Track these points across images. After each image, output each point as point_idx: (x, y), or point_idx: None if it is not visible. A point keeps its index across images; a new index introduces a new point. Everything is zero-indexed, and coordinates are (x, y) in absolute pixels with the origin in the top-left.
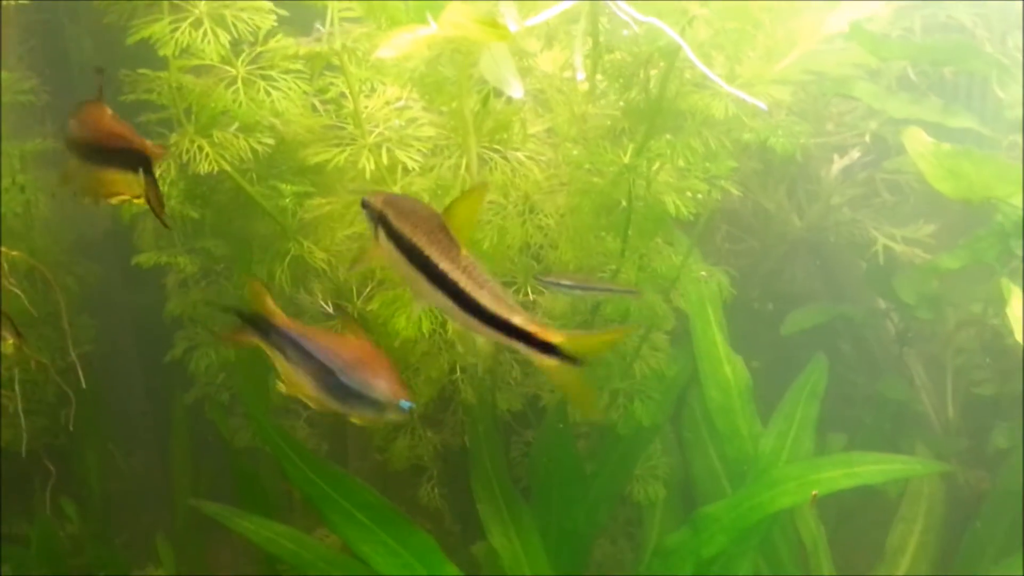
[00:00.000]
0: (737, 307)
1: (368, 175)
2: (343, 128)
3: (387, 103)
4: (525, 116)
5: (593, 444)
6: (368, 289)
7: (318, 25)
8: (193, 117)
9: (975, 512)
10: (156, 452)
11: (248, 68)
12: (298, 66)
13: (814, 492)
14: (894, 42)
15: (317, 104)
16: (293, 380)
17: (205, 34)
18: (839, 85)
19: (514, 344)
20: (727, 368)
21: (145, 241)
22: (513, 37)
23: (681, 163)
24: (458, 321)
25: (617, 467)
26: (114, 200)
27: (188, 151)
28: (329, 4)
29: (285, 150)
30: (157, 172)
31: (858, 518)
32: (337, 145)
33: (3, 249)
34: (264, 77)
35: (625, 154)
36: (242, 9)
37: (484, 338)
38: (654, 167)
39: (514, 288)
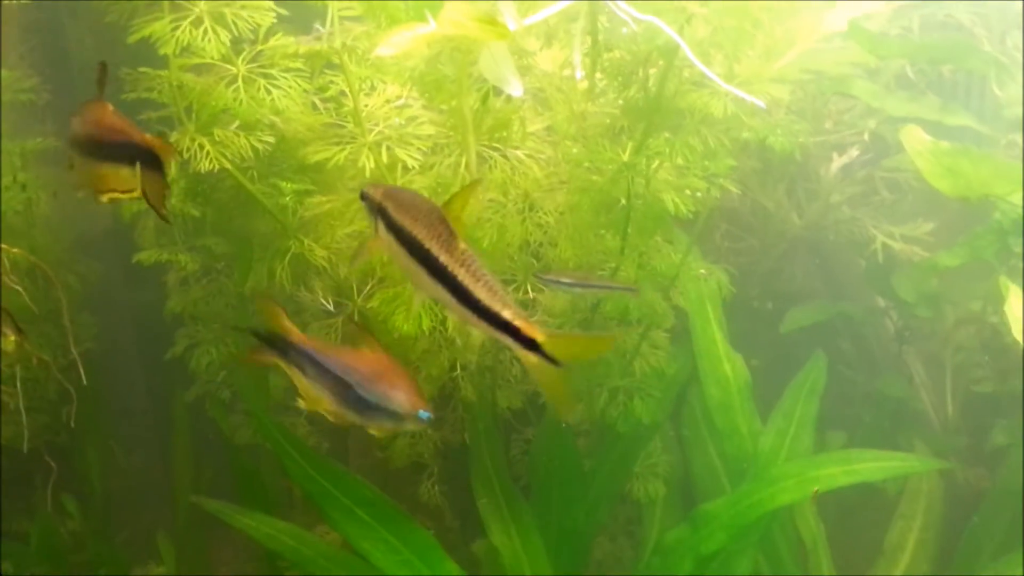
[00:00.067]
0: (737, 305)
1: (368, 173)
2: (343, 126)
3: (387, 101)
4: (525, 114)
5: (593, 442)
6: (368, 287)
7: (317, 25)
8: (194, 115)
9: (974, 510)
10: (157, 449)
11: (248, 66)
12: (298, 64)
13: (815, 488)
14: (892, 41)
15: (317, 102)
16: (312, 395)
17: (205, 32)
18: (838, 84)
19: (502, 338)
20: (726, 366)
21: (146, 239)
22: (512, 35)
23: (680, 161)
24: (454, 313)
25: (617, 465)
26: (105, 197)
27: (189, 149)
28: (329, 3)
29: (285, 148)
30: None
31: (857, 516)
32: (337, 143)
33: (4, 247)
34: (264, 75)
35: (624, 152)
36: (242, 7)
37: (479, 331)
38: (653, 165)
39: (514, 286)
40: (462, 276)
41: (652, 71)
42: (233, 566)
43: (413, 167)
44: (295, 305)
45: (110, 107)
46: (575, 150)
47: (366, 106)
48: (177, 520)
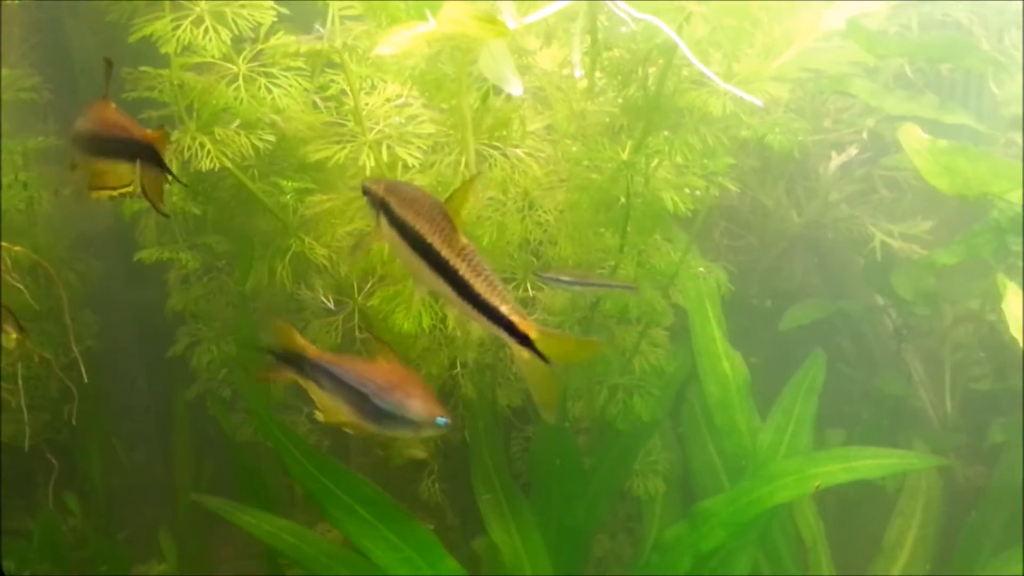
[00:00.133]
0: (736, 303)
1: (368, 171)
2: (344, 125)
3: (387, 100)
4: (524, 113)
5: (593, 439)
6: (369, 285)
7: (318, 26)
8: (195, 114)
9: (973, 507)
10: (158, 447)
11: (249, 65)
12: (299, 63)
13: (816, 484)
14: (891, 39)
15: (318, 101)
16: (330, 408)
17: (206, 31)
18: (836, 82)
19: (499, 332)
20: (726, 364)
21: (147, 237)
22: (512, 34)
23: (679, 160)
24: (454, 306)
25: (616, 462)
26: (97, 194)
27: (190, 148)
28: (330, 2)
29: (286, 147)
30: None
31: (856, 513)
32: (338, 142)
33: (6, 244)
34: (265, 74)
35: (624, 151)
36: (242, 6)
37: (477, 326)
38: (652, 164)
39: (514, 284)
40: (463, 270)
41: (651, 70)
42: (234, 564)
43: (413, 165)
44: (296, 303)
45: (112, 105)
46: (575, 148)
47: (366, 105)
48: (178, 518)
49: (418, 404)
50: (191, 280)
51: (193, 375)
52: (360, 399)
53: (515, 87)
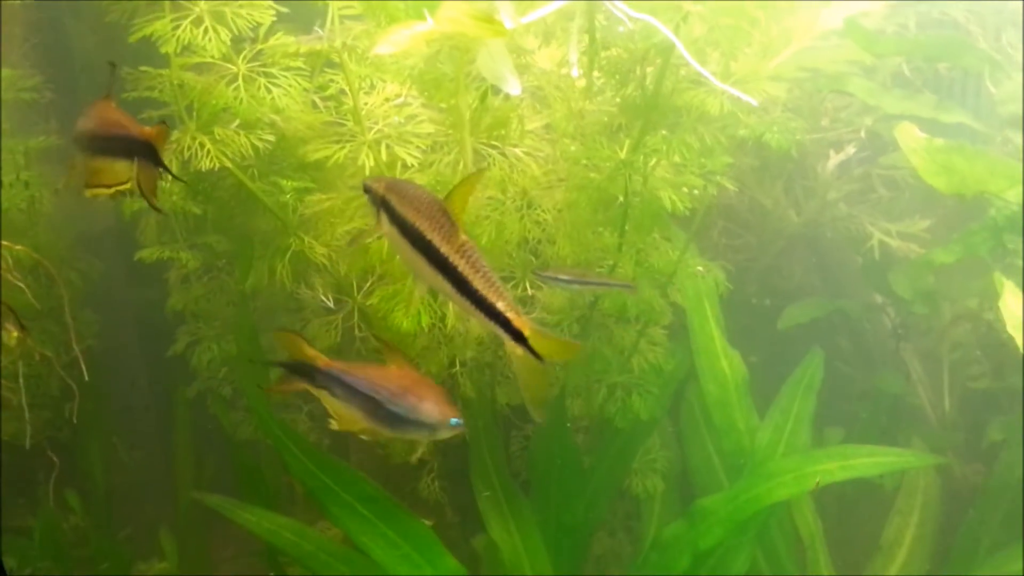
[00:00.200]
0: (734, 302)
1: (368, 171)
2: (343, 125)
3: (386, 100)
4: (523, 112)
5: (592, 438)
6: (368, 284)
7: (317, 28)
8: (194, 114)
9: (971, 505)
10: (159, 445)
11: (249, 65)
12: (298, 63)
13: (817, 480)
14: (888, 38)
15: (317, 101)
16: (344, 416)
17: (206, 31)
18: (834, 81)
19: (495, 328)
20: (724, 363)
21: (148, 237)
22: (510, 34)
23: (677, 159)
24: (453, 302)
25: (615, 461)
26: (90, 192)
27: (190, 148)
28: (329, 2)
29: (285, 146)
30: (165, 159)
31: (855, 512)
32: (337, 141)
33: (7, 243)
34: (265, 74)
35: (622, 150)
36: (241, 6)
37: (475, 322)
38: (651, 163)
39: (513, 283)
40: (461, 267)
41: (649, 69)
42: (235, 562)
43: (412, 165)
44: (296, 302)
45: (112, 104)
46: (573, 148)
47: (366, 104)
48: (179, 516)
49: (431, 407)
50: (191, 279)
51: (193, 374)
52: (373, 405)
53: (513, 86)
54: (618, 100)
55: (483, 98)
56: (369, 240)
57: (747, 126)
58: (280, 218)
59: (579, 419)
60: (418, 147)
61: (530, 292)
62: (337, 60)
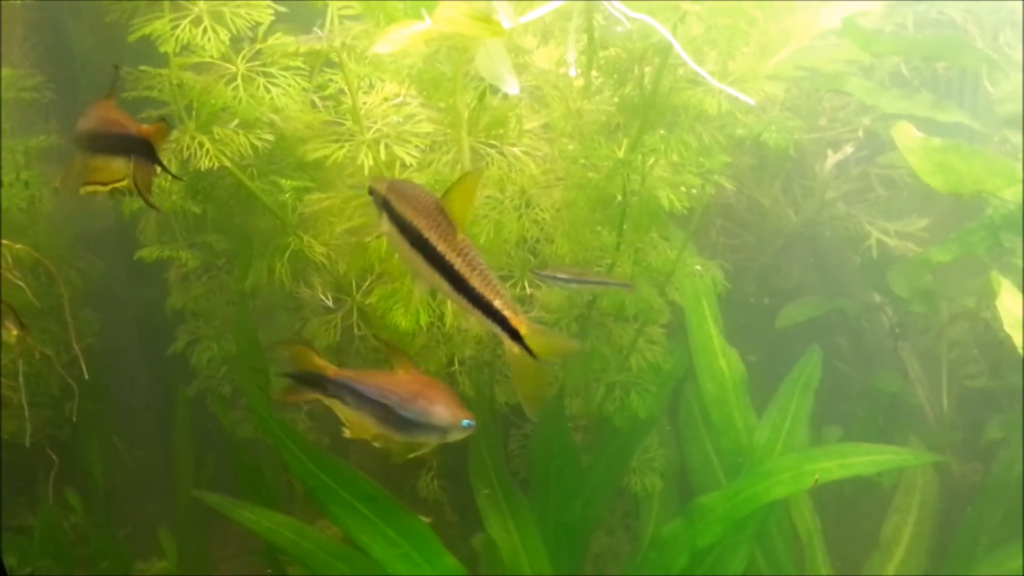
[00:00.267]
0: (733, 301)
1: (367, 170)
2: (342, 124)
3: (385, 99)
4: (521, 112)
5: (590, 437)
6: (367, 283)
7: (316, 29)
8: (194, 113)
9: (969, 503)
10: (159, 444)
11: (248, 65)
12: (297, 63)
13: (814, 478)
14: (886, 38)
15: (316, 100)
16: (357, 423)
17: (205, 31)
18: (832, 81)
19: (491, 326)
20: (722, 361)
21: (148, 236)
22: (508, 34)
23: (675, 158)
24: (450, 299)
25: (614, 459)
26: (84, 189)
27: (189, 147)
28: (329, 2)
29: (285, 146)
30: (163, 157)
31: (853, 510)
32: (336, 141)
33: (7, 242)
34: (264, 74)
35: (620, 149)
36: (239, 6)
37: (473, 320)
38: (649, 162)
39: (511, 282)
40: (458, 265)
41: (647, 69)
42: (234, 561)
43: (411, 164)
44: (295, 301)
45: (112, 103)
46: (571, 147)
47: (364, 104)
48: (179, 515)
49: (442, 410)
50: (191, 278)
51: (193, 372)
52: (385, 411)
53: (511, 86)
54: (616, 99)
55: (481, 97)
56: (368, 239)
57: (745, 125)
58: (279, 217)
59: (577, 418)
60: (417, 146)
61: (528, 291)
62: (336, 60)
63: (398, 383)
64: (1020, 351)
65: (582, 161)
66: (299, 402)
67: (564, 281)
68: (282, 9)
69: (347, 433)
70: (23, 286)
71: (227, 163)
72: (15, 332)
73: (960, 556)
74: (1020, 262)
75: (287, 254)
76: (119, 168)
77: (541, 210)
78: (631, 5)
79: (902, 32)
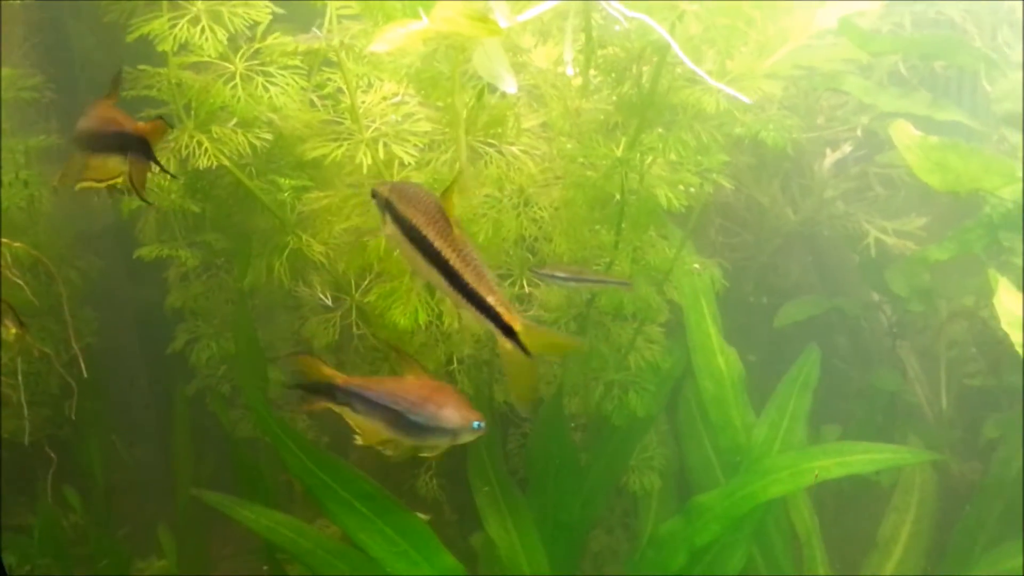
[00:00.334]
0: (731, 300)
1: (365, 169)
2: (340, 123)
3: (384, 99)
4: (520, 111)
5: (589, 435)
6: (366, 282)
7: (315, 28)
8: (192, 113)
9: (967, 502)
10: (158, 443)
11: (246, 64)
12: (296, 62)
13: (816, 474)
14: (884, 37)
15: (315, 100)
16: (368, 430)
17: (203, 31)
18: (830, 80)
19: (486, 322)
20: (721, 360)
21: (147, 235)
22: (506, 33)
23: (673, 157)
24: (446, 295)
25: (613, 458)
26: (79, 186)
27: (188, 146)
28: (327, 1)
29: (283, 145)
30: (162, 156)
31: (851, 508)
32: (335, 140)
33: (6, 241)
34: (262, 73)
35: (618, 148)
36: (236, 6)
37: (470, 317)
38: (647, 161)
39: (510, 280)
40: (454, 261)
41: (645, 68)
42: (233, 560)
43: (409, 163)
44: (294, 300)
45: (112, 103)
46: (569, 146)
47: (363, 103)
48: (178, 513)
49: (452, 413)
50: (190, 277)
51: (192, 371)
52: (395, 417)
53: (509, 85)
54: (614, 98)
55: (479, 96)
56: (367, 238)
57: (743, 124)
58: (278, 216)
59: (576, 417)
60: (415, 145)
61: (527, 290)
62: (335, 59)
63: (407, 388)
64: (1018, 349)
65: (580, 160)
66: (311, 411)
67: (563, 280)
68: (280, 10)
69: (359, 440)
70: (22, 285)
71: (226, 162)
72: (14, 331)
73: (958, 555)
74: (1018, 260)
75: (286, 253)
76: (115, 166)
77: (539, 209)
78: (629, 4)
79: (900, 31)
